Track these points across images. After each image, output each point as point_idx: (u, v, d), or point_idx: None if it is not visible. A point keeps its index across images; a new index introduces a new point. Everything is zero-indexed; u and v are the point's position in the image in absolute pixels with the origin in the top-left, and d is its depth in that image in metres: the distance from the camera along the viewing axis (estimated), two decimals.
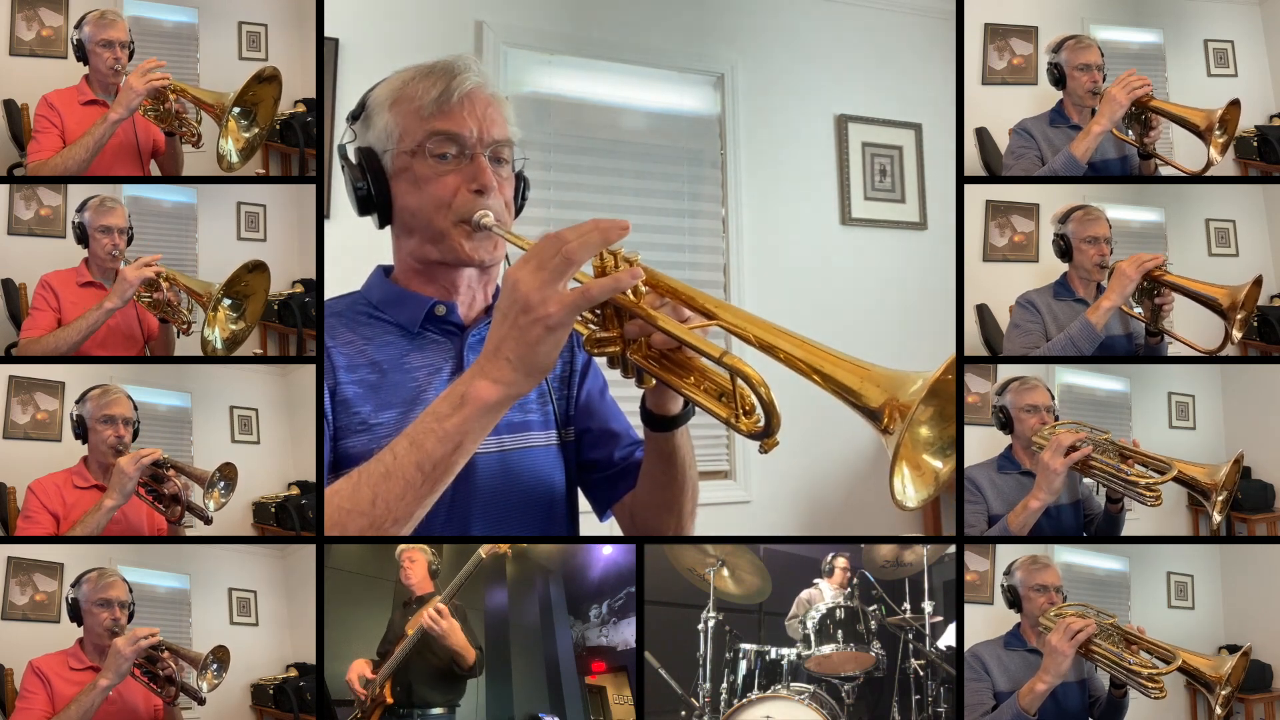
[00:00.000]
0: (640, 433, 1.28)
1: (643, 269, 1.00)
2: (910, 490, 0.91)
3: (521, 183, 1.32)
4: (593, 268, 1.01)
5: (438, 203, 1.20)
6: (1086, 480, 1.59)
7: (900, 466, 0.89)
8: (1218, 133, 1.61)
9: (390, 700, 1.46)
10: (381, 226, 1.27)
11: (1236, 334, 1.58)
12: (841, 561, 2.10)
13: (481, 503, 1.21)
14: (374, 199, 1.23)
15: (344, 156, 1.26)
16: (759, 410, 0.94)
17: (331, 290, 1.34)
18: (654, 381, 1.07)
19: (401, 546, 1.53)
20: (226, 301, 1.54)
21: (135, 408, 1.53)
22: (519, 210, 1.32)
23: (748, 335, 0.96)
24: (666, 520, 1.29)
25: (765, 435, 0.94)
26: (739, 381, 0.95)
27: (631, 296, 0.99)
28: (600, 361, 1.12)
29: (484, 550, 1.39)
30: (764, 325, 0.95)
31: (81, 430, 1.51)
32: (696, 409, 1.15)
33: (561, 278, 0.94)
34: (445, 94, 1.20)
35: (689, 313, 1.03)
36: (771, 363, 0.95)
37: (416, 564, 1.54)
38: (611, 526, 1.42)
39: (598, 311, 1.05)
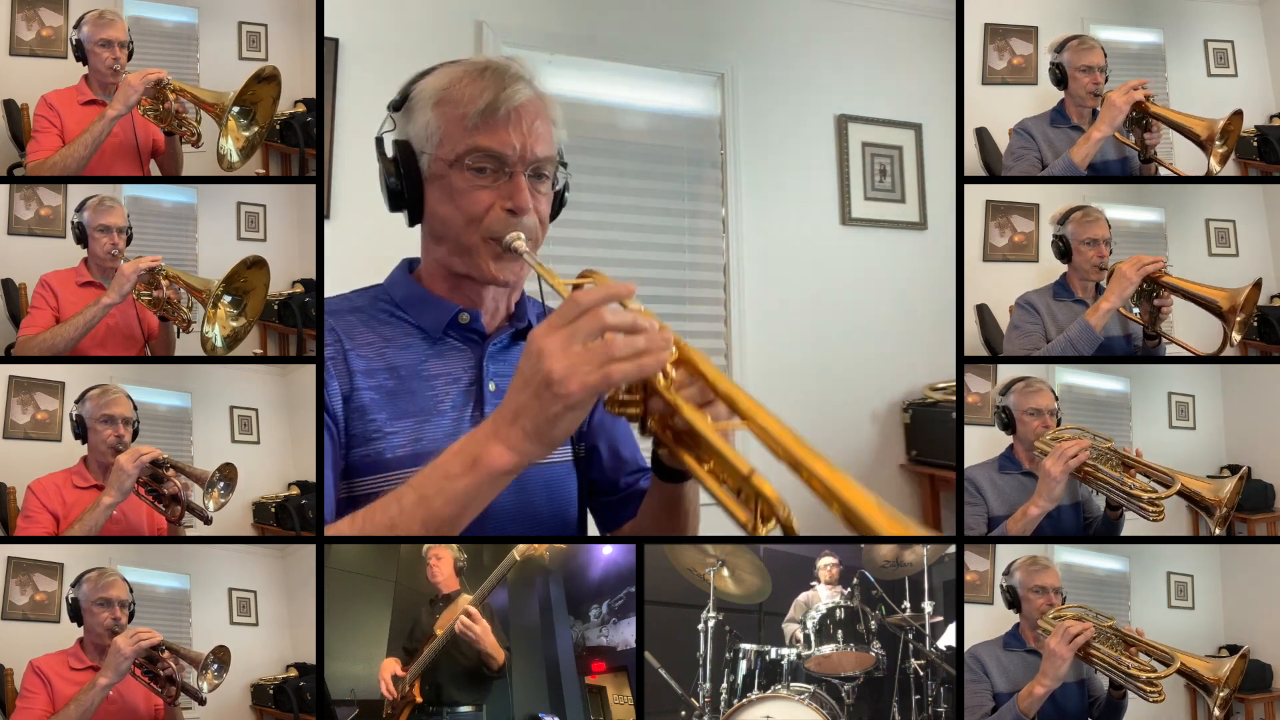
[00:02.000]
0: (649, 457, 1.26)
1: (675, 343, 0.95)
2: None
3: (559, 197, 1.27)
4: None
5: (469, 217, 1.16)
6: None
7: None
8: (1219, 143, 1.60)
9: (419, 699, 1.46)
10: (412, 225, 1.25)
11: (1236, 336, 1.58)
12: (824, 561, 2.10)
13: (495, 517, 1.19)
14: (405, 198, 1.20)
15: (381, 148, 1.22)
16: (775, 522, 0.90)
17: (331, 290, 1.34)
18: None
19: (428, 544, 1.53)
20: (226, 298, 1.54)
21: (135, 408, 1.53)
22: (552, 219, 1.27)
23: (777, 449, 0.89)
24: None
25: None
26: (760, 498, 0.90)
27: (661, 380, 0.95)
28: None
29: (518, 551, 1.38)
30: (796, 441, 0.89)
31: (81, 430, 1.51)
32: None
33: (590, 363, 0.89)
34: (492, 106, 1.14)
35: (713, 395, 0.97)
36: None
37: (443, 561, 1.54)
38: None
39: None
